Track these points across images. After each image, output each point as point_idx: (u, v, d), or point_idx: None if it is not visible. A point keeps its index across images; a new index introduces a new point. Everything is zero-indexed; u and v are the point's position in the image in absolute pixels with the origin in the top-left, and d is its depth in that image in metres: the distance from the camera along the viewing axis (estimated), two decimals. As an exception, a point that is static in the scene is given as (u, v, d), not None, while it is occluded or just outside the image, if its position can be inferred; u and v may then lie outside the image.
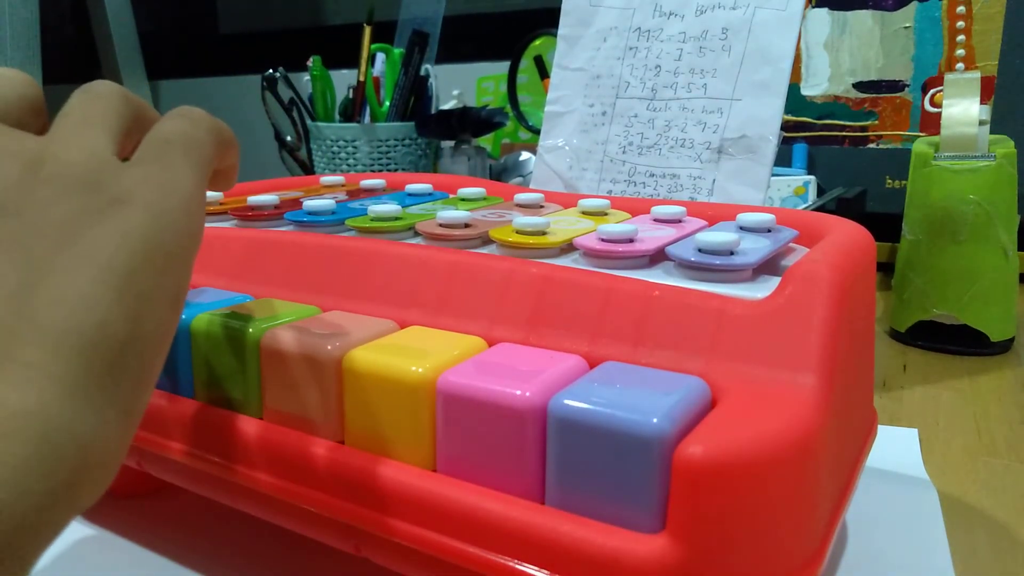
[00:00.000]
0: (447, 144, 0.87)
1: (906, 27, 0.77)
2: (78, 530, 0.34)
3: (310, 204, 0.36)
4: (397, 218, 0.35)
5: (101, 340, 0.16)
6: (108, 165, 0.19)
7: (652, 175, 0.45)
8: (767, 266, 0.29)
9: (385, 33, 0.92)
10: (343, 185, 0.48)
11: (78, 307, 0.16)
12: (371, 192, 0.45)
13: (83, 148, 0.19)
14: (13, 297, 0.16)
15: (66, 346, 0.16)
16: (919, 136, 0.77)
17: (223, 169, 0.24)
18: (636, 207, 0.37)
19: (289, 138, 0.95)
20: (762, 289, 0.26)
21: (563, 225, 0.33)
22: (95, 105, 0.20)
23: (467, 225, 0.33)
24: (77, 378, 0.16)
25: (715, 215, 0.35)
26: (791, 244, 0.32)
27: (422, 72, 0.87)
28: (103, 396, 0.16)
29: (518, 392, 0.21)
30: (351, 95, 0.88)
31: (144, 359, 0.17)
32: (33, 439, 0.15)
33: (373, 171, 0.79)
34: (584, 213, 0.36)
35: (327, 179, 0.49)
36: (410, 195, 0.43)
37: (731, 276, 0.27)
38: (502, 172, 0.88)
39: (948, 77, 0.56)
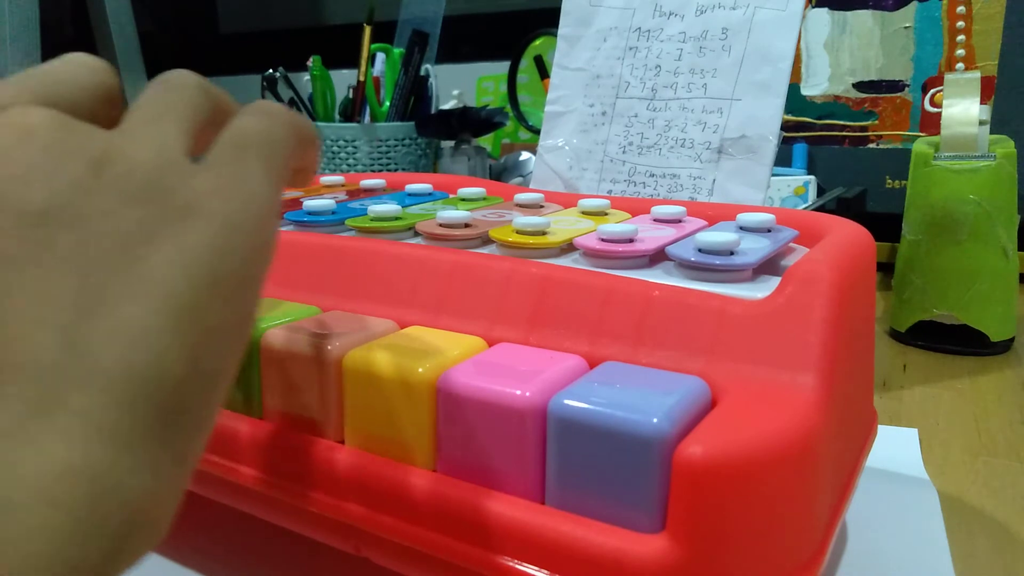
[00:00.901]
0: (447, 144, 0.87)
1: (906, 27, 0.77)
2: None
3: (310, 204, 0.36)
4: (397, 218, 0.35)
5: (157, 382, 0.14)
6: (177, 167, 0.17)
7: (652, 175, 0.45)
8: (767, 266, 0.29)
9: (385, 33, 0.92)
10: (343, 185, 0.48)
11: (134, 344, 0.14)
12: (371, 192, 0.45)
13: (152, 146, 0.17)
14: (66, 328, 0.14)
15: (119, 391, 0.14)
16: (919, 136, 0.77)
17: (302, 167, 0.21)
18: (636, 207, 0.37)
19: (289, 138, 0.94)
20: (762, 289, 0.26)
21: (563, 225, 0.33)
22: (169, 97, 0.18)
23: (467, 225, 0.33)
24: (129, 429, 0.14)
25: (715, 215, 0.35)
26: (791, 244, 0.32)
27: (422, 72, 0.87)
28: (156, 446, 0.14)
29: (518, 392, 0.21)
30: (351, 95, 0.88)
31: (204, 399, 0.15)
32: (79, 504, 0.13)
33: (373, 171, 0.79)
34: (584, 213, 0.36)
35: (327, 179, 0.49)
36: (410, 195, 0.43)
37: (731, 276, 0.27)
38: (502, 172, 0.88)
39: (948, 77, 0.56)
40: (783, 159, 0.80)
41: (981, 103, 0.55)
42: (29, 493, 0.13)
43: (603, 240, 0.29)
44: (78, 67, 0.19)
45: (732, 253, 0.27)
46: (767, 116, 0.42)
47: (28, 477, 0.13)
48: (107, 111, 0.19)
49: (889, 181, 0.79)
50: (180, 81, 0.19)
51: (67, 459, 0.13)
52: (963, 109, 0.55)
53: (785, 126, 0.81)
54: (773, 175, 0.44)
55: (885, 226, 0.64)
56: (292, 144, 0.19)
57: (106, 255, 0.15)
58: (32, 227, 0.15)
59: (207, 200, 0.16)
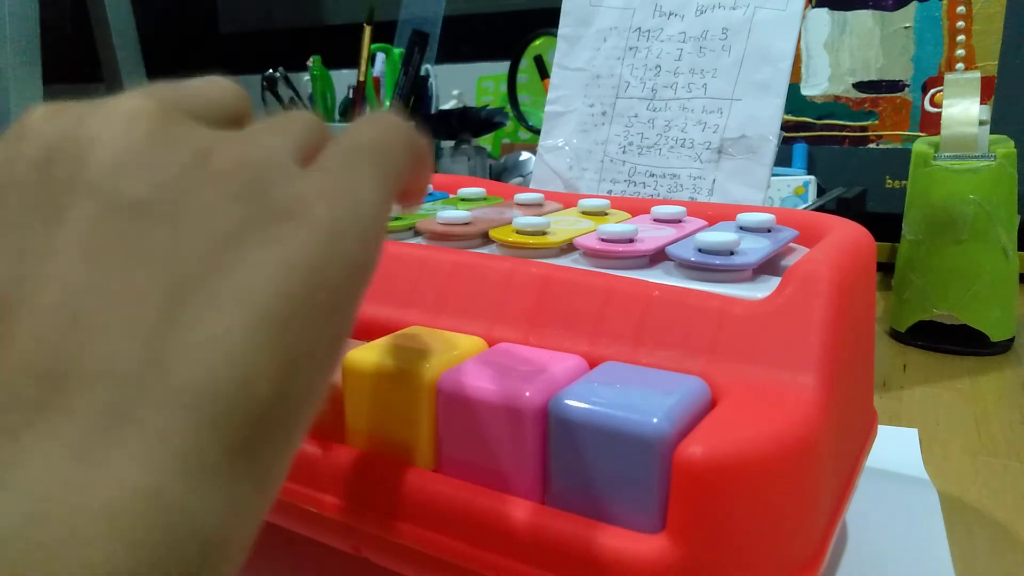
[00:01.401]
0: (447, 144, 0.87)
1: (906, 27, 0.77)
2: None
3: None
4: (397, 218, 0.35)
5: (241, 405, 0.13)
6: (283, 167, 0.15)
7: (652, 175, 0.45)
8: (767, 266, 0.29)
9: (385, 33, 0.92)
10: (343, 185, 0.48)
11: (222, 360, 0.13)
12: (371, 192, 0.45)
13: (260, 146, 0.16)
14: (149, 337, 0.13)
15: (201, 412, 0.13)
16: (919, 136, 0.77)
17: (413, 188, 0.20)
18: (636, 207, 0.37)
19: (289, 138, 0.95)
20: (762, 289, 0.26)
21: (563, 225, 0.33)
22: (287, 119, 0.17)
23: (467, 225, 0.33)
24: (208, 454, 0.13)
25: (715, 215, 0.35)
26: (791, 244, 0.32)
27: (422, 72, 0.87)
28: (236, 474, 0.13)
29: (518, 392, 0.21)
30: (351, 95, 0.88)
31: (289, 425, 0.14)
32: (147, 537, 0.12)
33: (373, 171, 0.79)
34: (584, 213, 0.36)
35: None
36: (410, 195, 0.43)
37: (731, 276, 0.27)
38: (502, 172, 0.88)
39: (948, 77, 0.56)
40: (783, 159, 0.80)
41: (981, 103, 0.55)
42: (93, 523, 0.11)
43: (603, 240, 0.29)
44: (212, 85, 0.18)
45: (732, 253, 0.27)
46: (767, 116, 0.42)
47: (94, 504, 0.11)
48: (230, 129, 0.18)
49: (889, 181, 0.79)
50: (300, 116, 0.18)
51: (138, 484, 0.12)
52: (963, 109, 0.55)
53: (785, 126, 0.81)
54: (773, 175, 0.44)
55: (885, 226, 0.64)
56: (407, 158, 0.18)
57: (201, 256, 0.14)
58: (126, 218, 0.14)
59: (312, 203, 0.15)
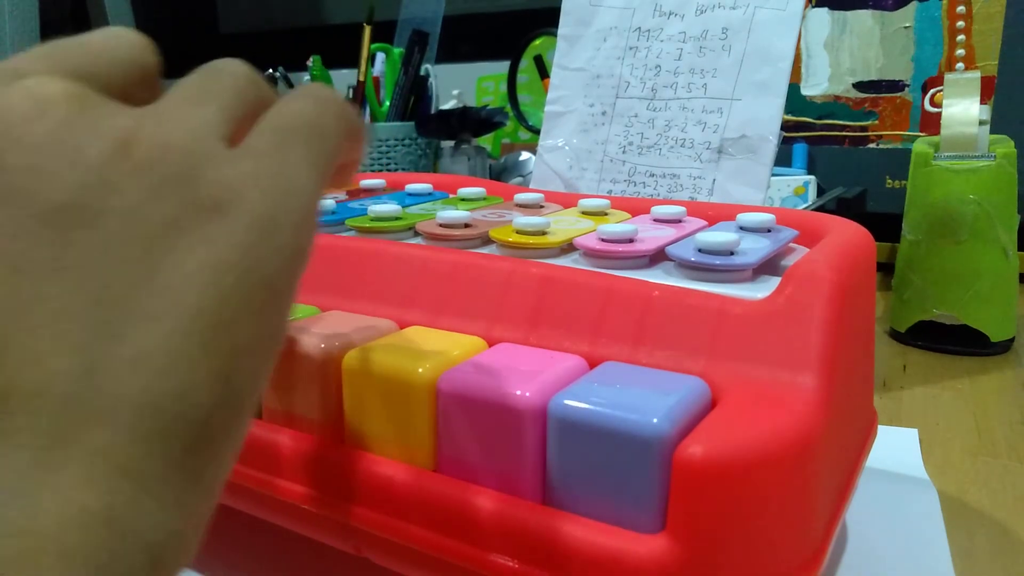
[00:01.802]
0: (447, 144, 0.87)
1: (906, 27, 0.77)
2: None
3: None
4: (397, 218, 0.35)
5: (184, 414, 0.13)
6: (212, 153, 0.15)
7: (652, 175, 0.45)
8: (767, 266, 0.29)
9: (385, 33, 0.92)
10: (343, 185, 0.48)
11: (159, 371, 0.13)
12: (371, 192, 0.45)
13: (186, 128, 0.15)
14: (84, 351, 0.12)
15: (142, 425, 0.12)
16: (919, 136, 0.77)
17: (346, 163, 0.19)
18: (636, 207, 0.37)
19: (289, 138, 0.94)
20: (762, 289, 0.26)
21: (563, 225, 0.33)
22: (212, 82, 0.16)
23: (467, 225, 0.33)
24: (153, 466, 0.13)
25: (715, 215, 0.35)
26: (791, 244, 0.32)
27: (422, 72, 0.87)
28: (183, 482, 0.13)
29: (518, 392, 0.21)
30: (351, 95, 0.88)
31: (233, 423, 0.14)
32: (97, 553, 0.12)
33: (373, 171, 0.79)
34: (584, 213, 0.36)
35: (327, 179, 0.49)
36: (410, 195, 0.43)
37: (731, 276, 0.27)
38: (502, 172, 0.88)
39: (948, 77, 0.56)
40: (783, 159, 0.80)
41: (981, 103, 0.55)
42: (43, 545, 0.11)
43: (603, 240, 0.29)
44: (115, 40, 0.17)
45: (732, 253, 0.27)
46: (767, 116, 0.42)
47: (42, 527, 0.11)
48: (143, 93, 0.17)
49: (889, 181, 0.79)
50: (228, 68, 0.17)
51: (84, 504, 0.12)
52: (963, 109, 0.55)
53: (785, 126, 0.81)
54: (773, 175, 0.44)
55: (885, 226, 0.64)
56: (340, 135, 0.17)
57: (128, 261, 0.13)
58: (47, 226, 0.13)
59: (243, 194, 0.14)
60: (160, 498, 0.13)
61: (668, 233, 0.31)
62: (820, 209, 0.64)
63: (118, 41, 0.17)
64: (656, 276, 0.27)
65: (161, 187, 0.14)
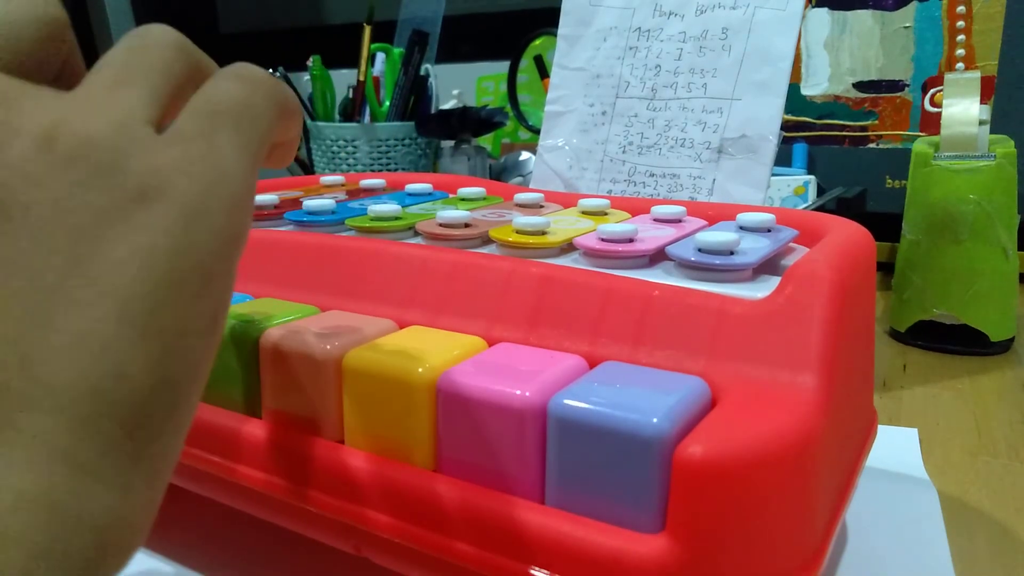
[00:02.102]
0: (447, 144, 0.87)
1: (906, 27, 0.77)
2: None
3: (310, 204, 0.36)
4: (397, 218, 0.35)
5: (120, 397, 0.13)
6: (139, 141, 0.14)
7: (652, 175, 0.45)
8: (767, 266, 0.29)
9: (385, 33, 0.92)
10: (343, 185, 0.48)
11: (91, 357, 0.13)
12: (371, 192, 0.45)
13: (110, 117, 0.14)
14: (15, 341, 0.13)
15: (77, 410, 0.13)
16: (919, 136, 0.77)
17: (282, 142, 0.19)
18: (636, 207, 0.37)
19: (289, 138, 0.94)
20: (762, 289, 0.26)
21: (563, 225, 0.33)
22: (138, 57, 0.16)
23: (467, 225, 0.33)
24: (92, 450, 0.13)
25: (715, 215, 0.35)
26: (791, 244, 0.32)
27: (422, 72, 0.87)
28: (124, 465, 0.13)
29: (518, 392, 0.21)
30: (351, 95, 0.88)
31: (174, 408, 0.14)
32: (38, 537, 0.12)
33: (373, 171, 0.79)
34: (584, 213, 0.36)
35: (327, 179, 0.49)
36: (410, 195, 0.43)
37: (731, 276, 0.27)
38: (502, 172, 0.88)
39: (948, 77, 0.56)
40: (783, 159, 0.80)
41: (981, 103, 0.55)
42: None
43: (603, 240, 0.29)
44: (13, 4, 0.16)
45: (732, 253, 0.27)
46: (767, 116, 0.42)
47: None
48: (53, 52, 0.17)
49: (889, 181, 0.79)
50: (155, 39, 0.17)
51: (21, 488, 0.12)
52: (963, 109, 0.55)
53: (785, 126, 0.81)
54: (773, 175, 0.44)
55: (885, 226, 0.64)
56: (272, 115, 0.17)
57: (58, 252, 0.13)
58: None
59: (172, 179, 0.14)
60: (103, 480, 0.13)
61: (668, 233, 0.31)
62: (820, 209, 0.64)
63: (16, 4, 0.16)
64: (656, 276, 0.27)
65: (87, 179, 0.14)
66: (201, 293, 0.14)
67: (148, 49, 0.16)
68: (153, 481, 0.14)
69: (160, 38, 0.17)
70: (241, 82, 0.17)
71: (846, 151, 0.81)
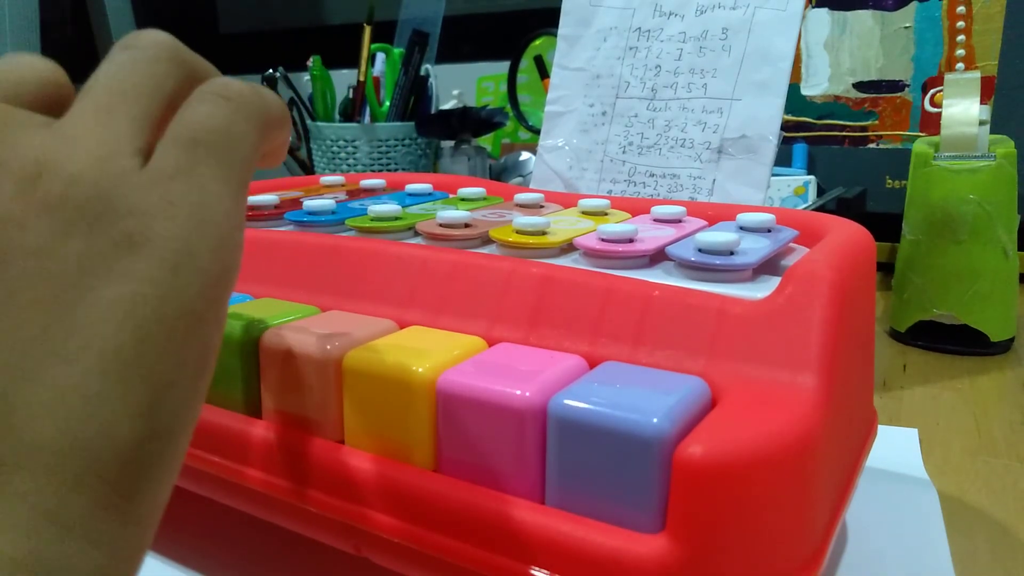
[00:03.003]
0: (447, 144, 0.87)
1: (906, 27, 0.77)
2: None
3: (310, 204, 0.36)
4: (397, 218, 0.35)
5: (105, 453, 0.13)
6: (123, 180, 0.14)
7: (652, 175, 0.45)
8: (767, 266, 0.29)
9: (385, 33, 0.92)
10: (343, 185, 0.48)
11: (77, 413, 0.12)
12: (371, 192, 0.45)
13: (96, 154, 0.14)
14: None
15: (64, 469, 0.12)
16: (919, 136, 0.77)
17: (271, 149, 0.19)
18: (636, 207, 0.37)
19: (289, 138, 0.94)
20: (762, 289, 0.26)
21: (563, 225, 0.33)
22: (129, 76, 0.15)
23: (467, 225, 0.33)
24: (77, 508, 0.12)
25: (715, 215, 0.35)
26: (791, 244, 0.32)
27: (422, 72, 0.87)
28: (112, 521, 0.13)
29: (518, 392, 0.21)
30: (351, 95, 0.88)
31: (162, 457, 0.14)
32: None
33: (373, 171, 0.79)
34: (584, 213, 0.36)
35: (327, 179, 0.49)
36: (410, 195, 0.43)
37: (731, 276, 0.27)
38: (502, 172, 0.88)
39: (948, 77, 0.56)
40: (783, 159, 0.80)
41: (981, 103, 0.55)
42: None
43: (603, 240, 0.29)
44: (20, 62, 0.16)
45: (732, 253, 0.27)
46: (767, 116, 0.42)
47: None
48: (53, 112, 0.16)
49: (889, 181, 0.79)
50: (145, 52, 0.16)
51: (9, 553, 0.11)
52: (963, 109, 0.55)
53: (785, 126, 0.81)
54: (773, 175, 0.44)
55: (885, 226, 0.64)
56: (255, 134, 0.16)
57: (40, 302, 0.13)
58: None
59: (153, 225, 0.14)
60: (89, 538, 0.12)
61: (668, 233, 0.31)
62: (820, 209, 0.64)
63: (26, 66, 0.16)
64: (656, 276, 0.27)
65: (70, 224, 0.13)
66: (188, 339, 0.14)
67: (138, 66, 0.16)
68: (141, 533, 0.13)
69: (151, 51, 0.16)
70: (221, 104, 0.16)
71: (846, 151, 0.81)
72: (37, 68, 0.16)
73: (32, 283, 0.13)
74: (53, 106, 0.16)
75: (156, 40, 0.16)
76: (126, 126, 0.15)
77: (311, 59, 0.88)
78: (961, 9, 0.74)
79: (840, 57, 0.80)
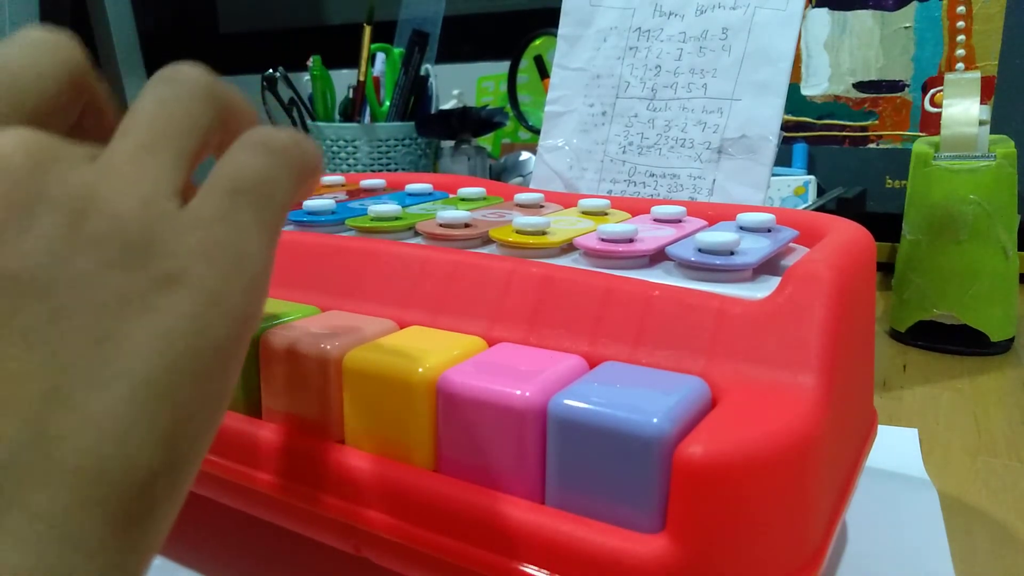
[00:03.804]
0: (447, 144, 0.87)
1: (906, 27, 0.77)
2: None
3: (310, 204, 0.36)
4: (397, 218, 0.35)
5: (125, 478, 0.13)
6: (165, 221, 0.15)
7: (652, 175, 0.45)
8: (767, 266, 0.29)
9: (385, 33, 0.92)
10: (343, 185, 0.48)
11: (103, 438, 0.13)
12: (371, 192, 0.45)
13: (138, 192, 0.15)
14: (31, 417, 0.13)
15: (86, 490, 0.13)
16: (919, 136, 0.77)
17: (303, 193, 0.19)
18: (636, 207, 0.37)
19: (289, 138, 0.94)
20: (762, 289, 0.26)
21: (563, 225, 0.33)
22: (168, 113, 0.16)
23: (467, 225, 0.33)
24: (91, 529, 0.13)
25: (715, 215, 0.35)
26: (791, 244, 0.32)
27: (422, 72, 0.87)
28: (120, 543, 0.13)
29: (518, 392, 0.21)
30: (351, 95, 0.88)
31: (175, 486, 0.14)
32: None
33: (373, 171, 0.79)
34: (584, 213, 0.36)
35: (327, 179, 0.49)
36: (410, 195, 0.43)
37: (731, 276, 0.27)
38: (502, 172, 0.88)
39: (948, 77, 0.56)
40: (783, 159, 0.80)
41: (981, 103, 0.55)
42: None
43: (603, 240, 0.29)
44: (36, 51, 0.16)
45: (732, 253, 0.27)
46: (767, 116, 0.42)
47: None
48: (78, 96, 0.17)
49: (889, 181, 0.79)
50: (183, 88, 0.16)
51: (18, 566, 0.12)
52: (963, 109, 0.55)
53: (785, 126, 0.81)
54: (773, 175, 0.44)
55: (885, 226, 0.64)
56: (292, 186, 0.17)
57: (79, 330, 0.13)
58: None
59: (191, 265, 0.14)
60: (98, 560, 0.13)
61: (668, 233, 0.31)
62: (820, 209, 0.64)
63: (39, 50, 0.16)
64: (656, 276, 0.27)
65: (112, 260, 0.14)
66: (214, 376, 0.15)
67: (176, 103, 0.16)
68: (146, 554, 0.14)
69: (188, 87, 0.17)
70: (264, 155, 0.17)
71: (846, 151, 0.81)
72: (55, 50, 0.16)
73: (73, 312, 0.13)
74: (76, 92, 0.17)
75: (193, 77, 0.17)
76: (167, 165, 0.15)
77: (311, 59, 0.88)
78: (961, 9, 0.74)
79: (840, 57, 0.80)
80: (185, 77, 0.17)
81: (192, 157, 0.16)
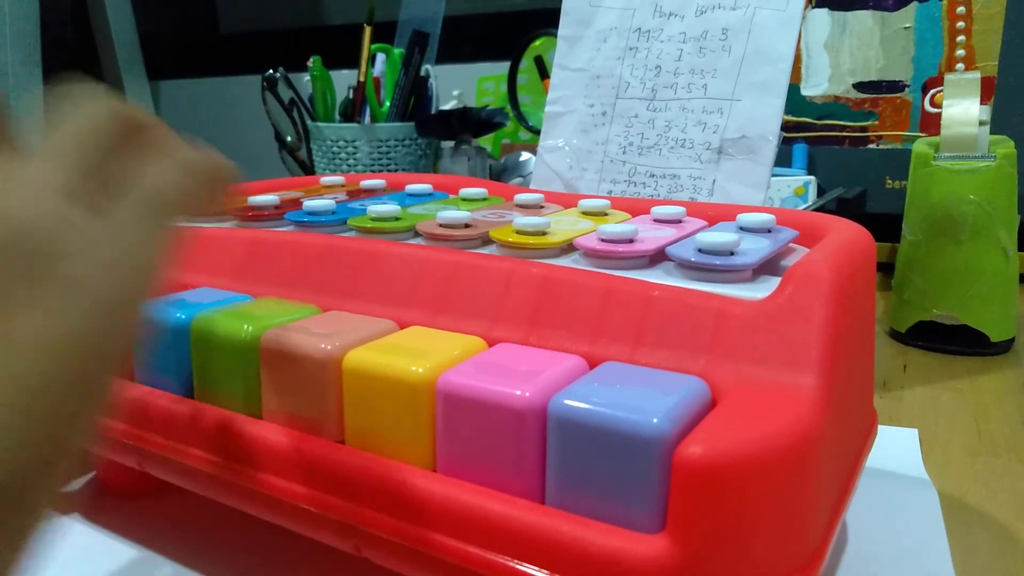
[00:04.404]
0: (447, 144, 0.87)
1: (906, 27, 0.77)
2: (78, 530, 0.34)
3: (310, 204, 0.36)
4: (397, 218, 0.35)
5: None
6: (50, 222, 0.15)
7: (652, 175, 0.45)
8: (767, 266, 0.29)
9: (385, 33, 0.92)
10: (343, 185, 0.48)
11: None
12: (371, 192, 0.45)
13: (23, 194, 0.15)
14: None
15: None
16: (919, 136, 0.77)
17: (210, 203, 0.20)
18: (636, 207, 0.37)
19: (289, 138, 0.95)
20: (762, 289, 0.26)
21: (563, 225, 0.33)
22: (68, 126, 0.17)
23: (467, 225, 0.33)
24: None
25: (715, 215, 0.35)
26: (791, 244, 0.32)
27: (422, 72, 0.87)
28: None
29: (518, 392, 0.21)
30: (351, 95, 0.88)
31: (45, 485, 0.14)
32: None
33: (373, 171, 0.79)
34: (584, 213, 0.36)
35: (327, 179, 0.49)
36: (410, 195, 0.43)
37: (731, 276, 0.27)
38: (502, 172, 0.88)
39: (948, 77, 0.56)
40: (783, 159, 0.80)
41: (981, 103, 0.55)
42: None
43: (603, 240, 0.29)
44: None
45: (732, 253, 0.27)
46: (767, 116, 0.42)
47: None
48: None
49: (889, 181, 0.79)
50: (87, 108, 0.17)
51: None
52: (963, 109, 0.55)
53: (785, 126, 0.81)
54: (773, 175, 0.44)
55: (885, 226, 0.64)
56: (204, 196, 0.18)
57: None
58: None
59: (73, 264, 0.14)
60: None
61: (668, 233, 0.31)
62: (820, 209, 0.64)
63: None
64: (656, 276, 0.27)
65: (4, 260, 0.14)
66: (94, 378, 0.14)
67: (79, 118, 0.17)
68: (12, 552, 0.14)
69: (91, 106, 0.17)
70: (183, 174, 0.17)
71: (846, 151, 0.81)
72: None
73: None
74: None
75: (96, 104, 0.17)
76: (61, 172, 0.16)
77: (311, 59, 0.88)
78: (961, 9, 0.74)
79: (840, 57, 0.80)
80: (88, 102, 0.17)
81: (91, 167, 0.16)
